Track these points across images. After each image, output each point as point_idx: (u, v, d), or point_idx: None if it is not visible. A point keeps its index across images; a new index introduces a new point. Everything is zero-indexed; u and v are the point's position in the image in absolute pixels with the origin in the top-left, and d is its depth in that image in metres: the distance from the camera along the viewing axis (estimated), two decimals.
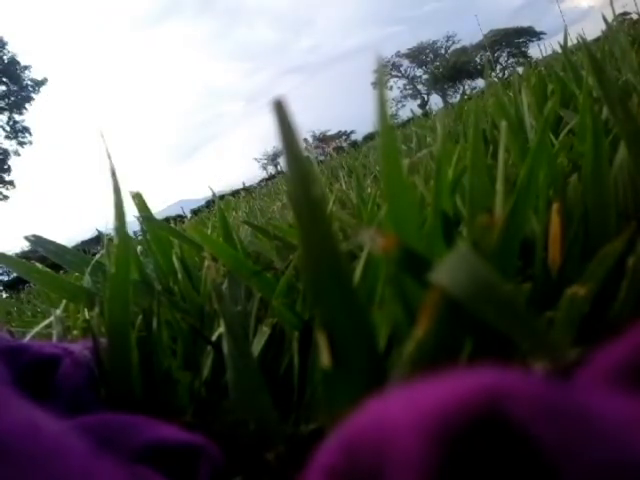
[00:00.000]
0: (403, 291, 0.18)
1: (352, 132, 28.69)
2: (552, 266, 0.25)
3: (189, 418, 0.27)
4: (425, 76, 29.08)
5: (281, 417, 0.23)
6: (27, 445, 0.13)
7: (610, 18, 0.89)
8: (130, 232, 0.28)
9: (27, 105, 21.21)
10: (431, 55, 29.05)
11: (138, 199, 0.44)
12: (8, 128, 21.23)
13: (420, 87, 29.34)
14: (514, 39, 27.95)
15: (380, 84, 0.18)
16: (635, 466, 0.08)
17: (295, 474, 0.18)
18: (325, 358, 0.15)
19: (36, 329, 0.42)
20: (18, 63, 20.53)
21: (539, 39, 26.23)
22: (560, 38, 0.83)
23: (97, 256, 0.46)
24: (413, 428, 0.09)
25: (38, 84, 21.07)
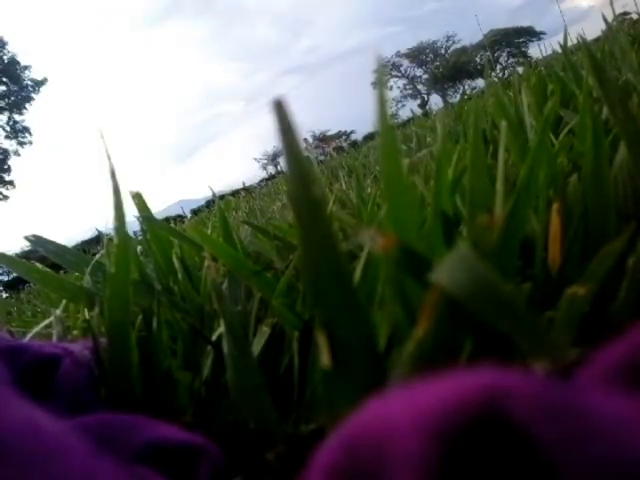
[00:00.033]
0: (403, 291, 0.18)
1: (352, 132, 28.71)
2: (552, 266, 0.25)
3: (189, 418, 0.27)
4: (425, 76, 29.09)
5: (281, 417, 0.23)
6: (27, 445, 0.13)
7: (610, 18, 0.90)
8: (130, 232, 0.28)
9: (27, 105, 21.22)
10: (431, 55, 29.05)
11: (138, 199, 0.44)
12: (8, 128, 21.24)
13: (420, 87, 29.36)
14: (514, 39, 27.96)
15: (380, 84, 0.18)
16: (635, 465, 0.08)
17: (295, 474, 0.19)
18: (325, 358, 0.15)
19: (36, 329, 0.42)
20: (18, 63, 20.53)
21: (539, 39, 26.24)
22: (560, 38, 0.83)
23: (97, 256, 0.46)
24: (413, 427, 0.09)
25: (38, 84, 21.07)
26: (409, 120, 3.83)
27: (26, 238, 0.40)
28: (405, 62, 29.04)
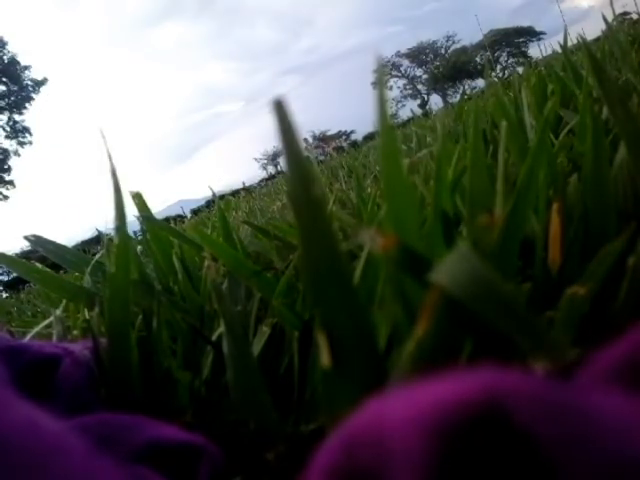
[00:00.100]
0: (403, 291, 0.18)
1: (352, 132, 28.71)
2: (552, 266, 0.25)
3: (189, 418, 0.27)
4: (425, 76, 29.09)
5: (281, 417, 0.23)
6: (27, 445, 0.13)
7: (610, 18, 0.90)
8: (130, 232, 0.28)
9: (27, 105, 21.22)
10: (431, 55, 29.05)
11: (138, 199, 0.44)
12: (8, 128, 21.25)
13: (420, 87, 29.35)
14: (514, 39, 27.96)
15: (380, 84, 0.18)
16: (635, 466, 0.08)
17: (295, 474, 0.18)
18: (325, 358, 0.15)
19: (36, 329, 0.42)
20: (18, 63, 20.53)
21: (539, 39, 26.23)
22: (560, 38, 0.83)
23: (97, 256, 0.46)
24: (413, 427, 0.09)
25: (38, 84, 21.07)
26: (409, 120, 3.83)
27: (26, 238, 0.40)
28: (405, 62, 29.05)
